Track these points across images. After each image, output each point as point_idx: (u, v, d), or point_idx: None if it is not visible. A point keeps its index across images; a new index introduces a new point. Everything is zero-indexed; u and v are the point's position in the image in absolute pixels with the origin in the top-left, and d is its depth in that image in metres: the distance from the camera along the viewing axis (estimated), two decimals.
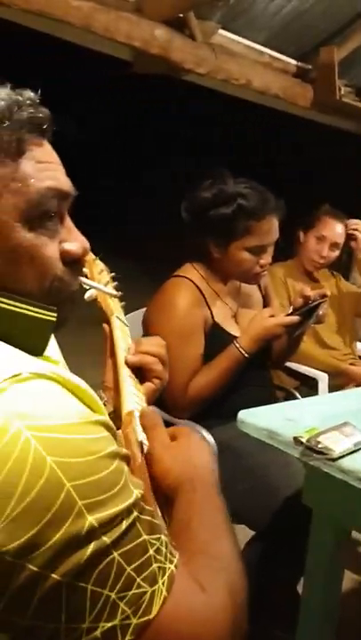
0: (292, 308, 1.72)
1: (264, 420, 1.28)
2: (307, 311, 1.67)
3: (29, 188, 0.65)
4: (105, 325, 1.01)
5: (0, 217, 0.64)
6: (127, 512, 0.55)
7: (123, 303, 1.08)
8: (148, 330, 1.74)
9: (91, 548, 0.51)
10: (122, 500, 0.55)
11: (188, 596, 0.56)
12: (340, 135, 4.41)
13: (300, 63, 3.66)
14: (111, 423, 0.61)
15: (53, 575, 0.50)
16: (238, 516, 1.58)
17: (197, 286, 1.73)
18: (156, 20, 2.77)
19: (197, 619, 0.55)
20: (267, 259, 1.78)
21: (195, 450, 0.76)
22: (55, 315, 0.68)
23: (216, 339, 1.73)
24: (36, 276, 0.67)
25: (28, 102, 0.67)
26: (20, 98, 0.67)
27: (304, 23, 3.42)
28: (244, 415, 1.31)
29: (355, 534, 2.26)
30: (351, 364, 2.65)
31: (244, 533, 1.64)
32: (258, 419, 1.29)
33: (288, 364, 2.48)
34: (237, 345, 1.69)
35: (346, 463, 1.11)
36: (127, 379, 0.89)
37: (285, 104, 3.63)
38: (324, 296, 1.70)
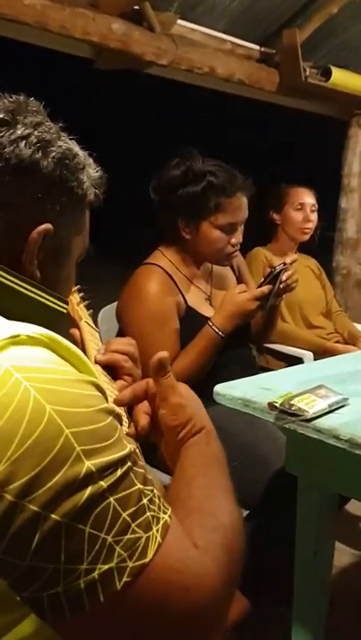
0: (262, 280, 1.72)
1: (240, 390, 1.27)
2: (273, 279, 1.67)
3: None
4: (74, 330, 1.02)
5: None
6: (122, 462, 0.57)
7: (90, 311, 1.09)
8: (121, 320, 1.73)
9: (88, 491, 0.54)
10: (117, 451, 0.57)
11: (180, 548, 0.58)
12: (307, 117, 4.43)
13: (263, 48, 3.65)
14: (102, 387, 0.64)
15: (53, 516, 0.52)
16: None
17: (167, 272, 1.72)
18: (113, 13, 2.75)
19: (188, 572, 0.57)
20: (238, 237, 1.77)
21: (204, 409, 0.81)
22: (67, 307, 0.76)
23: (192, 323, 1.72)
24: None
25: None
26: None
27: (263, 7, 3.41)
28: (220, 388, 1.30)
29: (353, 510, 2.26)
30: (337, 341, 2.65)
31: None
32: (233, 390, 1.28)
33: (274, 345, 2.48)
34: (211, 324, 1.67)
35: (321, 423, 1.10)
36: (99, 376, 0.90)
37: (251, 90, 3.62)
38: (284, 263, 1.70)
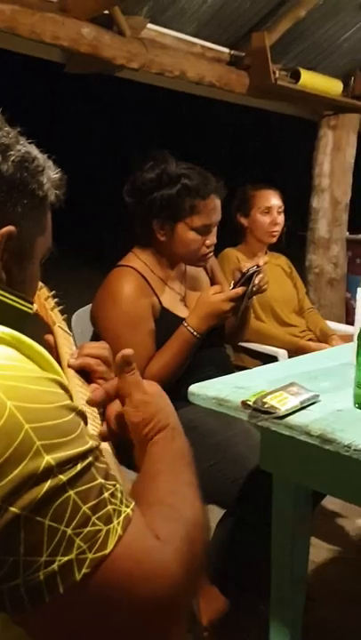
0: (233, 283, 1.74)
1: (214, 390, 1.29)
2: (245, 280, 1.69)
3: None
4: (48, 336, 1.03)
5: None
6: (83, 456, 0.58)
7: (65, 315, 1.10)
8: (96, 323, 1.74)
9: (47, 484, 0.55)
10: (78, 446, 0.58)
11: (142, 539, 0.59)
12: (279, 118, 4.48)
13: (232, 51, 3.68)
14: (66, 384, 0.65)
15: (12, 508, 0.53)
16: (206, 494, 1.59)
17: (141, 274, 1.74)
18: (82, 18, 2.76)
19: (149, 562, 0.58)
20: (212, 239, 1.79)
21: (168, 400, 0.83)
22: (32, 307, 0.78)
23: (167, 324, 1.74)
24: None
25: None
26: None
27: (232, 11, 3.45)
28: (195, 388, 1.32)
29: (330, 506, 2.30)
30: (310, 339, 2.69)
31: (214, 515, 1.65)
32: (208, 389, 1.30)
33: (248, 344, 2.51)
34: (186, 325, 1.69)
35: (293, 420, 1.12)
36: (72, 379, 0.92)
37: (222, 92, 3.66)
38: (258, 265, 1.73)
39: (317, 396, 1.22)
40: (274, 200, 2.61)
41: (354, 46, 4.25)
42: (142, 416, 0.78)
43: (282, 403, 1.15)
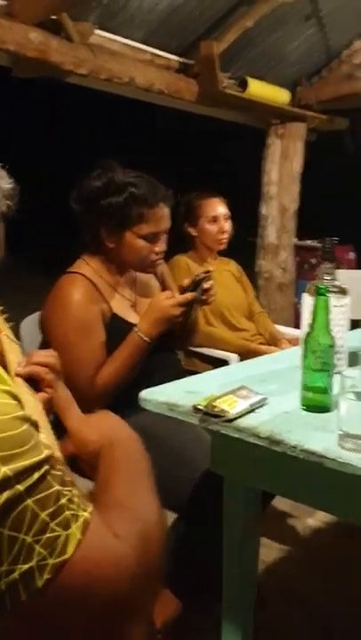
0: (182, 288, 1.76)
1: (165, 395, 1.30)
2: (194, 286, 1.72)
3: None
4: None
5: None
6: (38, 466, 0.59)
7: (12, 324, 1.10)
8: (45, 330, 1.73)
9: (5, 495, 0.55)
10: (33, 456, 0.59)
11: (101, 540, 0.61)
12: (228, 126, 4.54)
13: (181, 59, 3.72)
14: (17, 394, 0.66)
15: None
16: (159, 499, 1.59)
17: (91, 281, 1.73)
18: (29, 23, 2.74)
19: (109, 562, 0.60)
20: (161, 246, 1.80)
21: (110, 418, 0.87)
22: None
23: (117, 330, 1.74)
24: None
25: None
26: None
27: (181, 19, 3.48)
28: (146, 393, 1.33)
29: (280, 506, 2.34)
30: (260, 343, 2.73)
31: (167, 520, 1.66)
32: (159, 395, 1.31)
33: (200, 349, 2.53)
34: (137, 330, 1.70)
35: (242, 422, 1.14)
36: (21, 388, 0.92)
37: (171, 99, 3.69)
38: (207, 272, 1.75)
39: (266, 398, 1.24)
40: (220, 208, 2.65)
41: (301, 56, 4.36)
42: (91, 454, 0.81)
43: (231, 406, 1.17)
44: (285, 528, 2.30)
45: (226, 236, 2.65)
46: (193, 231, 2.65)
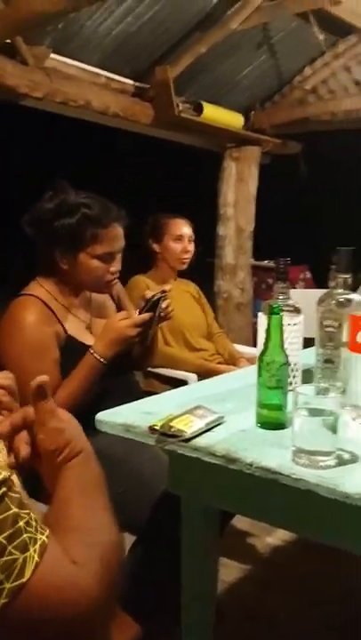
0: (138, 311, 1.77)
1: (121, 416, 1.30)
2: (150, 307, 1.72)
3: None
4: None
5: None
6: None
7: None
8: None
9: None
10: None
11: (59, 564, 0.61)
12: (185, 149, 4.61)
13: (136, 83, 3.78)
14: None
15: None
16: (118, 522, 1.58)
17: (45, 302, 1.72)
18: None
19: (67, 587, 0.60)
20: (116, 266, 1.81)
21: (77, 427, 0.85)
22: None
23: (73, 352, 1.73)
24: None
25: None
26: None
27: (135, 44, 3.54)
28: (102, 415, 1.32)
29: (239, 525, 2.34)
30: (219, 362, 2.75)
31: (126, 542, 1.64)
32: (115, 416, 1.30)
33: (158, 369, 2.53)
34: (92, 352, 1.69)
35: (198, 442, 1.14)
36: None
37: (127, 122, 3.73)
38: (163, 292, 1.77)
39: (222, 417, 1.25)
40: (186, 229, 2.70)
41: (253, 82, 4.48)
42: (57, 444, 0.79)
43: (188, 426, 1.18)
44: (245, 547, 2.30)
45: (188, 256, 2.69)
46: (157, 247, 2.68)
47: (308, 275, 5.87)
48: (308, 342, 1.53)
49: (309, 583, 2.11)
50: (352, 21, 3.80)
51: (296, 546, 2.33)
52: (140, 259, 2.67)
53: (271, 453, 1.08)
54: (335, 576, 2.10)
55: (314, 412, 1.04)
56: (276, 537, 2.37)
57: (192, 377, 2.51)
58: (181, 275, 2.80)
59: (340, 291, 1.39)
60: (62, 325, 1.73)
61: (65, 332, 1.73)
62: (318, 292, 1.45)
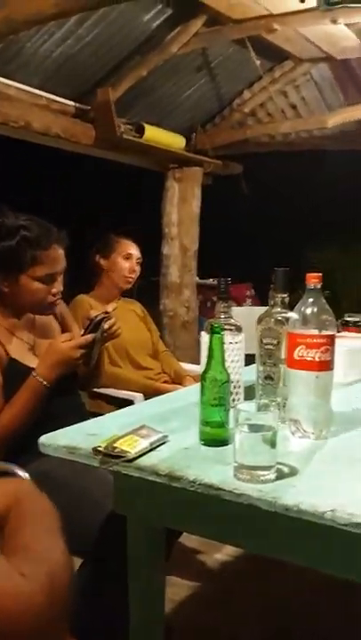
0: (82, 331, 1.77)
1: (66, 438, 1.29)
2: (94, 327, 1.73)
3: None
4: None
5: None
6: None
7: None
8: None
9: None
10: None
11: (7, 578, 0.63)
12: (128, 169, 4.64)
13: (78, 104, 3.80)
14: None
15: None
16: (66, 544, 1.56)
17: None
18: None
19: (14, 597, 0.62)
20: (58, 287, 1.81)
21: (10, 482, 0.90)
22: None
23: (16, 374, 1.71)
24: None
25: None
26: None
27: (76, 66, 3.57)
28: (45, 438, 1.31)
29: (188, 543, 2.34)
30: (165, 381, 2.76)
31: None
32: (59, 439, 1.30)
33: (104, 390, 2.52)
34: (35, 374, 1.68)
35: (142, 461, 1.15)
36: None
37: (68, 143, 3.74)
38: (107, 312, 1.78)
39: (166, 436, 1.26)
40: (135, 250, 2.73)
41: (194, 104, 4.57)
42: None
43: (132, 446, 1.18)
44: (194, 565, 2.31)
45: (134, 276, 2.71)
46: (104, 263, 2.69)
47: (253, 292, 5.99)
48: (252, 359, 1.56)
49: (260, 598, 2.13)
50: (286, 48, 3.95)
51: (245, 561, 2.35)
52: (83, 278, 2.68)
53: (214, 470, 1.10)
54: (286, 590, 2.13)
55: (254, 428, 1.07)
56: (225, 553, 2.38)
57: (138, 396, 2.51)
58: (126, 294, 2.82)
59: (278, 309, 1.43)
60: (4, 348, 1.71)
61: (7, 354, 1.71)
62: (263, 310, 1.49)
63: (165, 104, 4.39)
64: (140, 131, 4.01)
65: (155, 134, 4.10)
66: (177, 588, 2.09)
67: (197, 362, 3.66)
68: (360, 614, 1.99)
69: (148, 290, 4.21)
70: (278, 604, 2.09)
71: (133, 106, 4.15)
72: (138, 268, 2.73)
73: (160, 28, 3.58)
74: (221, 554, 2.38)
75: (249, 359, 1.55)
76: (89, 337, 1.72)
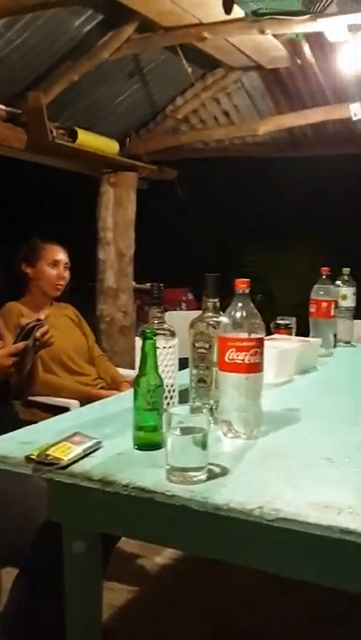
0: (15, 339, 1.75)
1: None
2: (25, 335, 1.72)
3: None
4: None
5: None
6: None
7: None
8: None
9: None
10: None
11: None
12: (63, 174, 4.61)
13: (9, 108, 3.74)
14: None
15: None
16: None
17: None
18: None
19: None
20: None
21: None
22: None
23: None
24: None
25: None
26: None
27: (7, 69, 3.52)
28: None
29: (127, 548, 2.34)
30: (102, 387, 2.75)
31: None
32: None
33: (39, 398, 2.49)
34: None
35: (75, 468, 1.15)
36: None
37: (0, 147, 3.68)
38: (39, 320, 1.77)
39: (100, 442, 1.27)
40: (61, 255, 2.68)
41: (127, 110, 4.58)
42: None
43: (65, 453, 1.18)
44: (134, 569, 2.31)
45: (63, 282, 2.67)
46: (30, 272, 2.63)
47: (191, 297, 6.05)
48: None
49: (200, 598, 2.15)
50: (217, 56, 4.02)
51: (186, 563, 2.37)
52: (9, 285, 2.63)
53: (147, 474, 1.11)
54: (226, 588, 2.16)
55: (185, 431, 1.09)
56: (165, 556, 2.40)
57: (74, 403, 2.49)
58: (60, 299, 2.78)
59: (209, 314, 1.46)
60: None
61: None
62: (198, 314, 1.51)
63: (98, 109, 4.39)
64: (73, 135, 3.99)
65: (88, 139, 4.09)
66: (116, 593, 2.09)
67: (135, 367, 3.66)
68: (299, 611, 2.05)
69: (84, 295, 4.18)
70: (219, 603, 2.12)
71: (66, 110, 4.13)
72: (67, 274, 2.69)
73: (91, 34, 3.58)
74: (161, 557, 2.39)
75: (186, 363, 1.57)
76: (20, 345, 1.71)
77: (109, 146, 4.42)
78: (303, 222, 6.40)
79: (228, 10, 2.85)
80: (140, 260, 5.13)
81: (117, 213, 4.88)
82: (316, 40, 3.72)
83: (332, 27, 3.21)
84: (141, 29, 3.56)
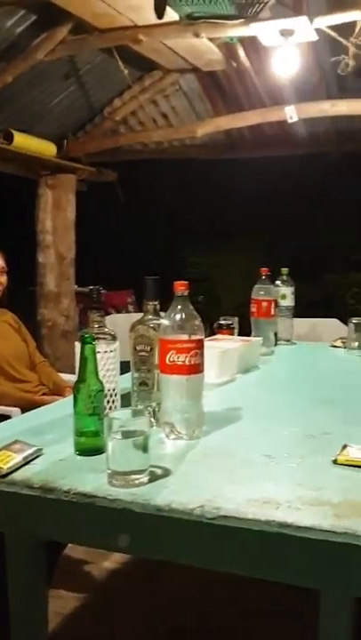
0: None
1: None
2: None
3: None
4: None
5: None
6: None
7: None
8: None
9: None
10: None
11: None
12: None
13: None
14: None
15: None
16: None
17: None
18: None
19: None
20: None
21: None
22: None
23: None
24: None
25: None
26: None
27: None
28: None
29: (74, 554, 2.32)
30: (44, 393, 2.71)
31: None
32: None
33: None
34: None
35: (16, 476, 1.14)
36: None
37: None
38: None
39: (41, 449, 1.25)
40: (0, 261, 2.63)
41: (64, 112, 4.54)
42: None
43: (4, 462, 1.16)
44: (81, 576, 2.29)
45: (0, 288, 2.62)
46: None
47: (136, 299, 6.04)
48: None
49: (151, 600, 2.15)
50: (154, 58, 4.04)
51: (134, 567, 2.37)
52: None
53: (88, 479, 1.11)
54: (178, 589, 2.16)
55: (126, 434, 1.09)
56: (114, 560, 2.38)
57: (15, 411, 2.44)
58: None
59: (150, 317, 1.47)
60: None
61: None
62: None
63: (34, 111, 4.33)
64: (9, 137, 3.92)
65: (24, 141, 4.03)
66: (63, 601, 2.07)
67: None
68: (250, 609, 2.07)
69: (24, 299, 4.12)
70: (170, 604, 2.12)
71: (1, 112, 4.05)
72: (4, 279, 2.64)
73: (24, 34, 3.52)
74: (110, 561, 2.37)
75: (129, 366, 1.57)
76: None
77: (47, 148, 4.36)
78: (247, 223, 6.50)
79: (160, 14, 2.87)
80: (83, 264, 5.08)
81: (56, 216, 4.82)
82: (252, 44, 3.79)
83: (265, 31, 3.26)
84: (76, 31, 3.54)
